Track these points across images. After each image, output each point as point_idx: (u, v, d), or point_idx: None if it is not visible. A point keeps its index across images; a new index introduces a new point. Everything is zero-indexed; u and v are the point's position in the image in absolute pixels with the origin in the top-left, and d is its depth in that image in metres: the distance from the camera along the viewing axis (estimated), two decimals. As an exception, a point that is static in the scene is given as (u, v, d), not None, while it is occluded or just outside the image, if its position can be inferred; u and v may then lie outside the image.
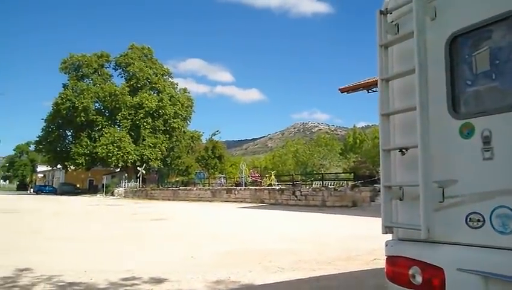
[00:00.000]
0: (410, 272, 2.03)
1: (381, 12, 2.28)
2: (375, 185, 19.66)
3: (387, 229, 2.19)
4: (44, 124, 50.72)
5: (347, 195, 20.01)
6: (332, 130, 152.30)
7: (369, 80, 16.75)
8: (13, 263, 5.91)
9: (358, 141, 51.93)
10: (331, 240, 8.70)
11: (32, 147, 66.07)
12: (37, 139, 52.15)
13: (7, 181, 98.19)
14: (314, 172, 39.29)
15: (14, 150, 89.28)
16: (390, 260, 2.20)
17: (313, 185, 24.95)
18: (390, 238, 2.25)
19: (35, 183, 72.82)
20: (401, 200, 2.18)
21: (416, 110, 2.01)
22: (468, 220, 1.86)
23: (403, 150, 2.15)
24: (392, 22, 2.30)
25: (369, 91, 17.32)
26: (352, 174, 26.63)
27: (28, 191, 67.51)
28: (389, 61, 2.31)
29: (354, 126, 58.61)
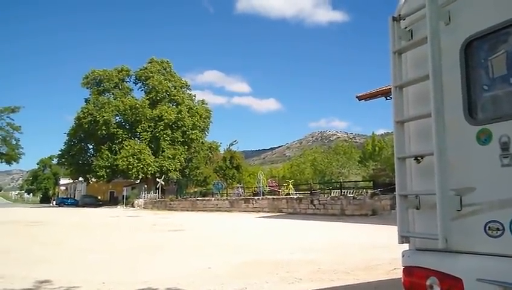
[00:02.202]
0: (428, 282, 1.97)
1: (394, 19, 2.26)
2: (395, 193, 19.26)
3: (403, 239, 2.14)
4: (67, 138, 51.91)
5: (366, 203, 19.69)
6: (350, 138, 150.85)
7: (388, 87, 16.53)
8: (34, 275, 6.01)
9: (377, 148, 51.18)
10: (350, 249, 8.55)
11: (55, 161, 67.66)
12: (60, 152, 53.33)
13: (31, 194, 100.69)
14: (333, 180, 38.93)
15: (37, 163, 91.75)
16: (408, 270, 2.14)
17: (332, 194, 24.67)
18: (407, 248, 2.20)
19: (57, 196, 74.33)
20: (417, 209, 2.13)
21: (432, 117, 1.96)
22: (487, 228, 1.80)
23: (419, 158, 2.10)
24: (405, 28, 2.28)
25: (388, 98, 17.08)
26: (372, 182, 26.24)
27: (51, 204, 68.97)
28: (403, 67, 2.28)
29: (373, 133, 57.83)
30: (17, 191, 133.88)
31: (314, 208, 22.22)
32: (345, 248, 8.74)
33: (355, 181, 34.57)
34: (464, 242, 1.89)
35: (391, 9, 2.41)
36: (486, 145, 1.84)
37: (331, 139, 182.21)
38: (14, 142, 30.55)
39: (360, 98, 18.19)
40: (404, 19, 2.27)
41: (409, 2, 2.23)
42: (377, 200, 19.32)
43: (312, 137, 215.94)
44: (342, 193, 23.31)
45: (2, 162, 30.84)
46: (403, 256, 2.19)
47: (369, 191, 21.84)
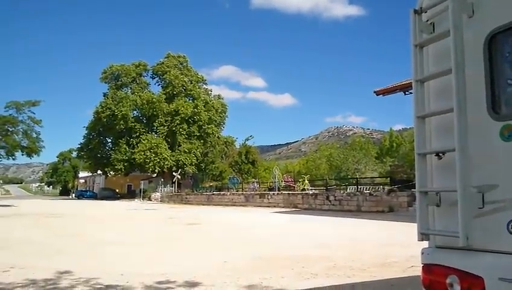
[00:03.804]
0: (448, 280, 1.94)
1: (416, 12, 2.21)
2: (413, 189, 19.04)
3: (423, 236, 2.11)
4: (86, 132, 52.90)
5: (383, 200, 19.49)
6: (367, 134, 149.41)
7: (406, 82, 16.30)
8: (54, 266, 6.17)
9: (395, 144, 50.51)
10: (367, 246, 8.49)
11: (74, 154, 69.06)
12: (79, 146, 54.41)
13: (51, 187, 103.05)
14: (349, 176, 38.64)
15: (57, 157, 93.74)
16: (427, 268, 2.11)
17: (348, 190, 24.50)
18: (427, 246, 2.16)
19: (76, 188, 75.89)
20: (438, 206, 2.09)
21: (454, 112, 1.92)
22: (510, 226, 1.76)
23: (440, 154, 2.06)
24: (427, 21, 2.23)
25: (406, 93, 16.83)
26: (389, 178, 25.93)
27: (70, 196, 70.49)
28: (424, 61, 2.23)
29: (391, 129, 57.10)
30: (38, 184, 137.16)
31: (330, 204, 22.12)
32: (361, 245, 8.68)
33: (371, 177, 34.22)
34: (485, 240, 1.85)
35: (408, 3, 2.36)
36: (510, 141, 1.79)
37: (348, 134, 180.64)
38: (34, 135, 31.12)
39: (377, 93, 17.97)
40: (425, 12, 2.22)
41: None
42: (394, 196, 19.10)
43: (328, 132, 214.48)
44: (358, 189, 23.11)
45: (23, 154, 31.48)
46: (422, 253, 2.16)
47: (386, 188, 21.60)
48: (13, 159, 32.01)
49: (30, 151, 30.72)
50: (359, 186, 24.27)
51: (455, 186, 1.88)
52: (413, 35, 2.21)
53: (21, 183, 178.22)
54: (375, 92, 18.02)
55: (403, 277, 5.42)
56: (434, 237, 2.11)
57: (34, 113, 30.93)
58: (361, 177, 32.61)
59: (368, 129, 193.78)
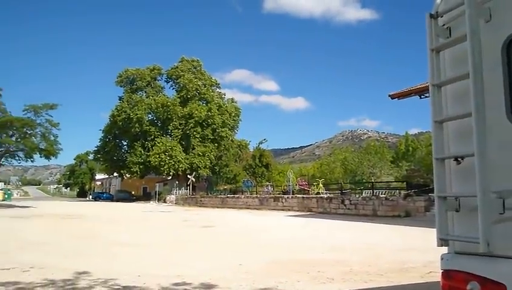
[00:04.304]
0: (469, 287, 1.92)
1: (432, 16, 2.21)
2: (430, 194, 18.76)
3: (442, 241, 2.09)
4: (102, 135, 53.72)
5: (399, 204, 19.24)
6: (382, 138, 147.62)
7: (422, 85, 16.10)
8: (73, 266, 6.29)
9: (411, 148, 49.80)
10: (383, 251, 8.40)
11: (91, 156, 70.09)
12: (96, 149, 55.30)
13: (68, 188, 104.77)
14: (364, 180, 38.29)
15: (74, 159, 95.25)
16: (447, 274, 2.09)
17: (363, 194, 24.28)
18: (446, 252, 2.15)
19: (93, 190, 77.01)
20: (457, 211, 2.08)
21: (472, 116, 1.91)
22: (532, 233, 1.74)
23: (459, 159, 2.05)
24: (443, 25, 2.22)
25: (422, 97, 16.61)
26: (405, 183, 25.62)
27: (87, 198, 71.55)
28: (441, 65, 2.23)
29: (406, 133, 56.26)
30: (55, 185, 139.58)
31: (345, 208, 21.95)
32: (378, 250, 8.59)
33: (387, 181, 33.87)
34: (507, 246, 1.83)
35: (421, 7, 2.35)
36: None
37: (362, 138, 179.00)
38: (52, 138, 31.78)
39: (392, 97, 17.78)
40: (441, 16, 2.22)
41: None
42: (411, 201, 18.84)
43: (342, 136, 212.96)
44: (374, 194, 22.88)
45: (41, 157, 32.18)
46: (441, 259, 2.14)
47: (403, 192, 21.34)
48: (32, 161, 32.81)
49: (48, 153, 31.37)
50: (375, 191, 24.04)
51: (475, 191, 1.86)
52: (429, 40, 2.21)
53: (39, 185, 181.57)
54: (390, 95, 17.83)
55: (421, 283, 5.35)
56: (453, 242, 2.09)
57: (51, 117, 31.62)
58: (376, 182, 32.32)
59: (383, 133, 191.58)
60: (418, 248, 8.45)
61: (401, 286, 5.22)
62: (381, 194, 22.17)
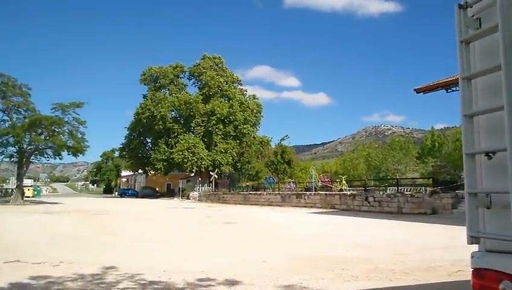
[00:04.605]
0: (501, 286, 1.86)
1: (461, 7, 2.15)
2: (457, 191, 18.31)
3: (473, 239, 2.03)
4: (127, 132, 54.75)
5: (425, 202, 18.83)
6: (407, 133, 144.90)
7: (448, 79, 15.71)
8: (100, 261, 6.45)
9: (437, 144, 48.56)
10: (409, 249, 8.24)
11: (116, 154, 71.63)
12: (121, 146, 56.44)
13: (95, 185, 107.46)
14: (388, 177, 37.65)
15: (100, 156, 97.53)
16: (477, 272, 2.03)
17: (388, 191, 23.88)
18: (477, 249, 2.09)
19: (119, 187, 78.63)
20: (488, 208, 2.01)
21: (505, 110, 1.84)
22: None
23: (490, 154, 1.98)
24: (472, 16, 2.15)
25: (449, 90, 16.23)
26: (431, 179, 25.03)
27: (113, 194, 73.17)
28: (471, 57, 2.16)
29: (432, 128, 54.84)
30: (83, 182, 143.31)
31: (368, 205, 21.66)
32: (403, 248, 8.44)
33: (412, 178, 33.18)
34: None
35: None
36: None
37: (386, 134, 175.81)
38: (79, 135, 32.52)
39: (418, 91, 17.44)
40: (471, 7, 2.15)
41: None
42: (437, 198, 18.41)
43: (365, 132, 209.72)
44: (399, 190, 22.47)
45: (69, 154, 33.06)
46: (472, 257, 2.08)
47: (429, 189, 20.87)
48: (60, 158, 33.70)
49: (75, 150, 32.19)
50: (399, 187, 23.60)
51: (507, 187, 1.80)
52: (458, 31, 2.14)
53: (67, 181, 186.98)
54: (415, 90, 17.49)
55: (449, 282, 5.22)
56: (484, 240, 2.03)
57: (78, 115, 32.41)
58: (401, 178, 31.70)
59: (408, 128, 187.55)
60: (445, 246, 8.26)
61: (428, 284, 5.12)
62: (407, 191, 21.74)
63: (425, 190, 21.11)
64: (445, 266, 6.20)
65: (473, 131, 2.09)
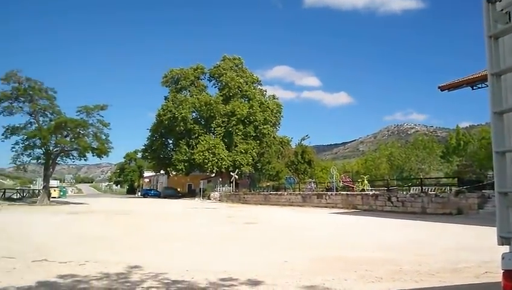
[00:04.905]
0: None
1: (489, 1, 2.09)
2: (483, 190, 17.81)
3: (503, 239, 1.97)
4: (149, 134, 55.61)
5: (450, 202, 18.39)
6: (430, 132, 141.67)
7: (474, 76, 15.32)
8: (125, 261, 6.56)
9: (462, 142, 47.42)
10: (434, 250, 8.06)
11: (139, 155, 72.86)
12: (143, 147, 57.38)
13: (118, 185, 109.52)
14: (412, 177, 36.97)
15: (124, 157, 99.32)
16: (508, 274, 1.97)
17: (411, 191, 23.44)
18: (508, 251, 2.02)
19: (142, 187, 79.92)
20: (519, 208, 1.95)
21: (537, 107, 1.78)
22: None
23: (521, 152, 1.92)
24: (501, 10, 2.09)
25: (474, 88, 15.80)
26: (456, 179, 24.45)
27: (136, 195, 74.44)
28: (500, 53, 2.09)
29: (457, 126, 53.61)
30: (106, 183, 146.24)
31: (391, 205, 21.31)
32: (428, 248, 8.26)
33: (437, 178, 32.49)
34: None
35: None
36: None
37: (409, 133, 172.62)
38: (103, 137, 33.21)
39: (442, 89, 17.06)
40: (500, 1, 2.09)
41: None
42: (463, 198, 17.95)
43: (387, 131, 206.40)
44: (423, 190, 22.02)
45: (93, 155, 33.75)
46: (502, 258, 2.02)
47: (454, 189, 20.39)
48: (85, 160, 34.52)
49: (100, 152, 32.87)
50: (423, 187, 23.15)
51: (540, 187, 1.74)
52: (486, 26, 2.09)
53: (91, 182, 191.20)
54: (439, 87, 17.11)
55: (477, 284, 5.08)
56: (516, 241, 1.97)
57: (102, 117, 33.08)
58: (425, 178, 31.06)
59: (431, 127, 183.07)
60: (472, 247, 8.03)
61: (454, 286, 4.99)
62: (431, 191, 21.29)
63: (450, 190, 20.65)
64: (472, 268, 6.03)
65: (503, 128, 2.03)
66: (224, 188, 45.49)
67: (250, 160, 49.16)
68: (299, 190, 34.25)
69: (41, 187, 35.51)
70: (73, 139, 32.10)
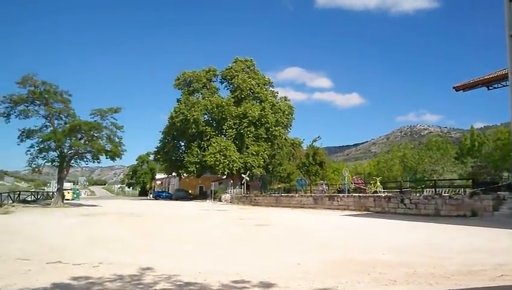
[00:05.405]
0: None
1: (511, 0, 2.05)
2: (498, 192, 17.49)
3: None
4: (162, 136, 56.00)
5: (465, 203, 18.09)
6: (444, 133, 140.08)
7: (490, 76, 15.11)
8: (138, 262, 6.62)
9: (476, 143, 46.67)
10: (449, 252, 7.94)
11: (151, 157, 73.38)
12: (155, 149, 57.80)
13: (131, 188, 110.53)
14: (425, 178, 36.53)
15: (136, 159, 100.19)
16: None
17: (424, 193, 23.13)
18: None
19: (154, 189, 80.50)
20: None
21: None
22: None
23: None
24: None
25: (490, 88, 15.57)
26: (470, 180, 24.05)
27: (148, 197, 75.01)
28: None
29: (472, 127, 52.77)
30: (119, 185, 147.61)
31: (404, 207, 21.06)
32: (442, 251, 8.14)
33: (450, 179, 32.03)
34: None
35: None
36: None
37: (422, 134, 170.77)
38: (117, 140, 33.47)
39: (457, 89, 16.86)
40: None
41: None
42: (478, 200, 17.63)
43: (400, 132, 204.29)
44: (437, 192, 21.71)
45: (107, 158, 34.03)
46: None
47: (468, 190, 20.05)
48: (98, 162, 34.81)
49: (113, 154, 33.16)
50: (437, 189, 22.82)
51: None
52: (508, 25, 2.09)
53: (104, 184, 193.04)
54: (454, 87, 16.92)
55: (493, 286, 4.99)
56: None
57: (116, 120, 33.39)
58: (439, 179, 30.65)
59: (445, 128, 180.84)
60: (487, 250, 7.91)
61: (470, 289, 4.90)
62: (445, 193, 20.98)
63: (465, 192, 20.31)
64: (488, 270, 5.93)
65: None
66: (235, 190, 45.54)
67: (261, 162, 49.16)
68: (311, 191, 34.08)
69: (55, 189, 35.98)
70: (87, 142, 32.44)
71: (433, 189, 23.11)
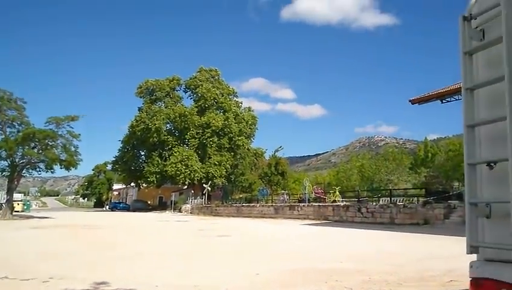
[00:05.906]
0: None
1: (465, 18, 2.17)
2: (449, 201, 18.37)
3: (472, 249, 2.02)
4: (121, 145, 54.24)
5: (418, 212, 18.86)
6: (400, 144, 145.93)
7: (443, 90, 15.94)
8: (91, 277, 6.29)
9: (430, 154, 48.92)
10: (402, 259, 8.20)
11: (109, 167, 70.82)
12: (114, 159, 55.89)
13: (85, 199, 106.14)
14: (381, 188, 37.76)
15: (92, 169, 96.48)
16: (476, 282, 2.02)
17: (380, 202, 23.90)
18: (474, 259, 2.07)
19: (110, 200, 77.81)
20: (488, 218, 2.00)
21: (507, 120, 1.84)
22: None
23: (491, 164, 1.97)
24: (476, 27, 2.18)
25: (444, 101, 16.42)
26: (424, 189, 25.15)
27: (104, 208, 72.31)
28: (474, 68, 2.17)
29: (425, 139, 55.27)
30: (73, 196, 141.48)
31: (361, 216, 21.62)
32: (396, 258, 8.39)
33: (405, 189, 33.31)
34: None
35: (437, 11, 2.29)
36: None
37: (379, 145, 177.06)
38: (73, 149, 32.11)
39: (413, 102, 17.62)
40: (475, 18, 2.17)
41: (481, 1, 2.13)
42: (430, 208, 18.44)
43: (359, 143, 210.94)
44: (392, 201, 22.50)
45: (61, 168, 32.50)
46: (471, 267, 2.06)
47: (421, 199, 20.93)
48: (52, 172, 33.19)
49: (68, 164, 31.76)
50: (392, 198, 23.65)
51: (508, 197, 1.80)
52: (462, 43, 2.16)
53: (57, 195, 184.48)
54: (410, 100, 17.68)
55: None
56: (484, 249, 2.03)
57: (72, 128, 32.05)
58: (394, 189, 31.78)
59: (401, 139, 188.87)
60: (438, 256, 8.24)
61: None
62: (399, 202, 21.78)
63: (418, 201, 21.19)
64: (438, 276, 6.17)
65: (475, 141, 2.09)
66: (196, 201, 44.90)
67: (223, 172, 48.86)
68: (272, 201, 34.27)
69: (4, 201, 33.85)
70: (41, 151, 30.89)
71: (389, 198, 23.93)
